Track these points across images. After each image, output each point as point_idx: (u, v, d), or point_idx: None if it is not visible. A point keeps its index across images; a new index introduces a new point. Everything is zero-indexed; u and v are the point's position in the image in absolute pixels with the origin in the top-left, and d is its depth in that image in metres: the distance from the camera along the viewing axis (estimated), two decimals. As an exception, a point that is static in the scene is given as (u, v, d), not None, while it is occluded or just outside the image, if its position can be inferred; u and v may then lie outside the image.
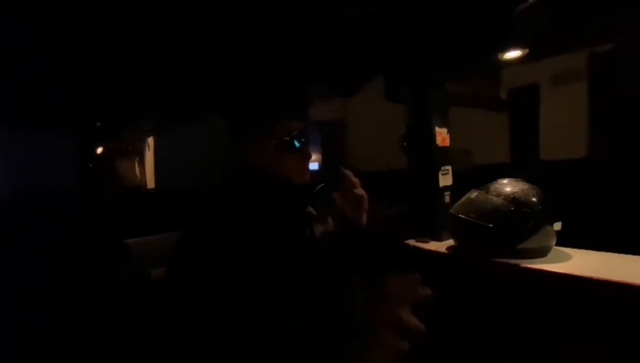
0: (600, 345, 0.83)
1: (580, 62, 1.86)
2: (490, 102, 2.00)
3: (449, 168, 1.31)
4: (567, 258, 1.01)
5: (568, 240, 1.09)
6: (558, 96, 1.96)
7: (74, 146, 3.51)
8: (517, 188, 1.06)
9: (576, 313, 0.89)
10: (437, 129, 1.27)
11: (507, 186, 1.08)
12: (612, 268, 0.88)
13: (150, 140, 3.86)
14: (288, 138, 0.74)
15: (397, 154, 2.72)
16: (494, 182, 1.12)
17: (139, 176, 3.87)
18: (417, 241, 1.28)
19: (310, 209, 0.89)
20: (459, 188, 1.34)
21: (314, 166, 3.34)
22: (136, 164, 3.86)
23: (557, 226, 1.02)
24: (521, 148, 2.06)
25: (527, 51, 1.10)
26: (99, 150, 3.79)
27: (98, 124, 3.36)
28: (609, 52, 1.68)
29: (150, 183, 3.81)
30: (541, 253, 1.03)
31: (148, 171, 3.85)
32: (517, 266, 0.98)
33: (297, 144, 0.76)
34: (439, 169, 1.28)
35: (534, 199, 1.03)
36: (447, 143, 1.31)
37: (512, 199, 1.03)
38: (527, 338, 0.99)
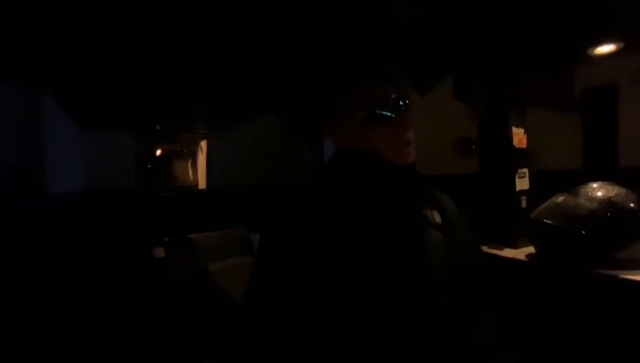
0: None
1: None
2: (562, 103, 1.87)
3: (526, 170, 1.24)
4: (674, 270, 0.91)
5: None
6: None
7: (135, 147, 3.76)
8: (613, 191, 0.97)
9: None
10: (514, 129, 1.20)
11: (600, 189, 1.00)
12: None
13: (204, 143, 4.03)
14: (376, 107, 0.60)
15: (451, 158, 2.62)
16: (584, 185, 1.03)
17: (191, 177, 4.06)
18: (490, 247, 1.22)
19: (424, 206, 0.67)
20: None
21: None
22: (189, 166, 4.05)
23: (661, 235, 0.93)
24: (596, 152, 1.90)
25: (622, 45, 1.01)
26: (158, 152, 4.02)
27: (158, 127, 3.57)
28: None
29: (202, 183, 3.98)
30: (641, 264, 0.93)
31: (200, 172, 4.02)
32: (615, 277, 0.90)
33: (387, 113, 0.60)
34: (515, 171, 1.21)
35: (632, 204, 0.94)
36: (525, 144, 1.24)
37: (608, 203, 0.95)
38: (622, 358, 0.90)
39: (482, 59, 1.22)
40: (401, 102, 0.61)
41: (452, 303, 0.60)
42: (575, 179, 1.09)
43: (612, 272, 0.91)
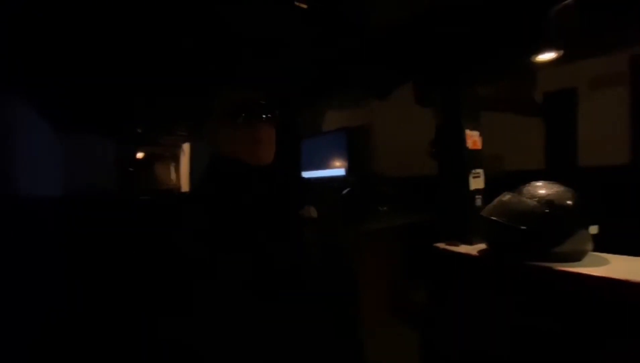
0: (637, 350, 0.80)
1: (622, 65, 1.79)
2: (524, 107, 1.96)
3: (481, 171, 1.31)
4: (604, 262, 0.99)
5: (606, 246, 1.06)
6: (597, 100, 1.90)
7: (116, 150, 3.75)
8: (552, 190, 1.05)
9: (612, 317, 0.86)
10: (468, 132, 1.27)
11: (541, 188, 1.07)
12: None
13: (186, 146, 4.04)
14: (230, 113, 0.68)
15: (425, 160, 2.70)
16: (527, 184, 1.11)
17: (174, 180, 4.06)
18: (447, 244, 1.28)
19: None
20: (491, 193, 1.33)
21: (339, 171, 3.37)
22: (172, 169, 4.06)
23: (594, 229, 1.00)
24: (557, 153, 1.99)
25: (561, 53, 1.09)
26: (139, 155, 4.01)
27: (139, 130, 3.58)
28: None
29: (185, 186, 3.99)
30: (576, 257, 1.01)
31: (183, 176, 4.04)
32: (550, 269, 0.97)
33: (240, 120, 0.68)
34: (469, 172, 1.28)
35: (568, 202, 1.02)
36: (479, 146, 1.31)
37: (546, 201, 1.02)
38: (559, 342, 0.97)
39: (436, 65, 1.29)
40: (259, 109, 0.69)
41: (325, 284, 0.68)
42: (537, 179, 1.15)
43: (548, 264, 0.98)
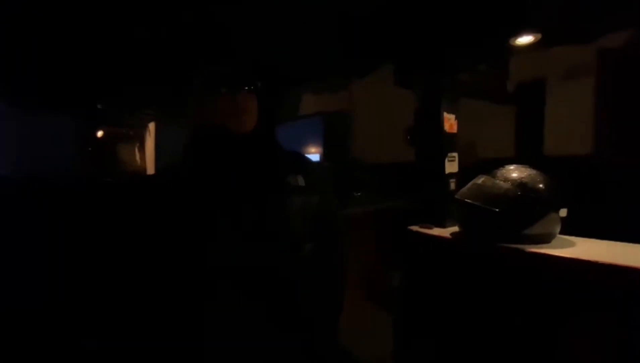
0: (603, 328, 0.83)
1: (589, 58, 1.84)
2: (499, 95, 1.99)
3: (456, 154, 1.31)
4: (571, 244, 1.01)
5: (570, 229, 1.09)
6: (565, 92, 1.95)
7: (74, 128, 3.50)
8: (525, 173, 1.05)
9: (581, 298, 0.88)
10: (446, 115, 1.26)
11: (514, 171, 1.08)
12: (618, 254, 0.88)
13: (152, 126, 3.83)
14: (214, 84, 0.72)
15: (401, 146, 2.70)
16: (501, 168, 1.11)
17: (139, 161, 3.85)
18: (421, 227, 1.28)
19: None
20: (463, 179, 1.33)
21: (314, 157, 3.33)
22: (137, 150, 3.85)
23: (563, 212, 1.02)
24: (526, 142, 2.04)
25: (539, 36, 1.09)
26: (99, 134, 3.77)
27: (99, 106, 3.34)
28: (618, 49, 1.66)
29: (150, 169, 3.80)
30: (546, 239, 1.03)
31: (148, 157, 3.84)
32: (522, 251, 0.98)
33: (223, 90, 0.73)
34: (445, 155, 1.27)
35: (540, 185, 1.03)
36: (455, 129, 1.30)
37: (520, 184, 1.03)
38: (530, 322, 0.99)
39: (419, 47, 1.26)
40: (241, 80, 0.73)
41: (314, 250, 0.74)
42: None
43: (520, 246, 0.99)
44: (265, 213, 0.70)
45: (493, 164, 1.21)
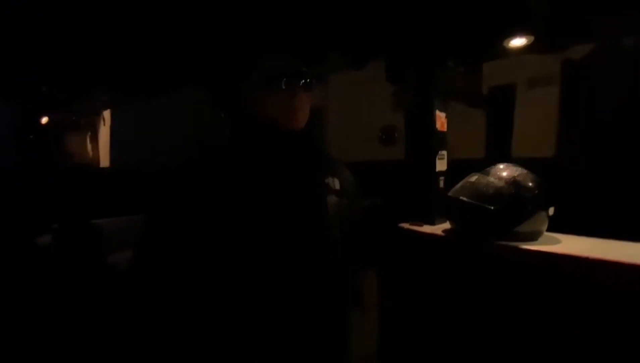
0: (586, 321, 0.88)
1: (554, 67, 1.98)
2: (471, 98, 2.07)
3: (445, 153, 1.32)
4: (557, 241, 1.06)
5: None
6: (532, 98, 2.08)
7: (13, 112, 3.11)
8: (517, 172, 1.08)
9: (571, 293, 0.93)
10: (438, 113, 1.27)
11: (506, 170, 1.11)
12: (603, 250, 0.93)
13: (106, 113, 3.52)
14: (270, 79, 0.70)
15: (376, 145, 2.72)
16: (493, 166, 1.14)
17: (90, 153, 3.52)
18: (411, 224, 1.28)
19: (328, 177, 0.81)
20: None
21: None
22: (88, 140, 3.51)
23: (551, 211, 1.07)
24: (495, 144, 2.15)
25: (532, 39, 1.12)
26: (44, 120, 3.39)
27: (44, 88, 2.98)
28: (582, 59, 1.80)
29: (104, 161, 3.49)
30: (534, 236, 1.06)
31: (102, 148, 3.52)
32: (515, 247, 1.00)
33: (281, 85, 0.70)
34: (436, 153, 1.28)
35: (532, 183, 1.07)
36: (445, 127, 1.31)
37: (513, 182, 1.05)
38: (519, 317, 1.02)
39: (413, 44, 1.26)
40: (296, 76, 0.71)
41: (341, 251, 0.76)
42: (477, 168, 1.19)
43: (513, 243, 1.02)
44: (310, 212, 0.72)
45: (463, 165, 1.24)
